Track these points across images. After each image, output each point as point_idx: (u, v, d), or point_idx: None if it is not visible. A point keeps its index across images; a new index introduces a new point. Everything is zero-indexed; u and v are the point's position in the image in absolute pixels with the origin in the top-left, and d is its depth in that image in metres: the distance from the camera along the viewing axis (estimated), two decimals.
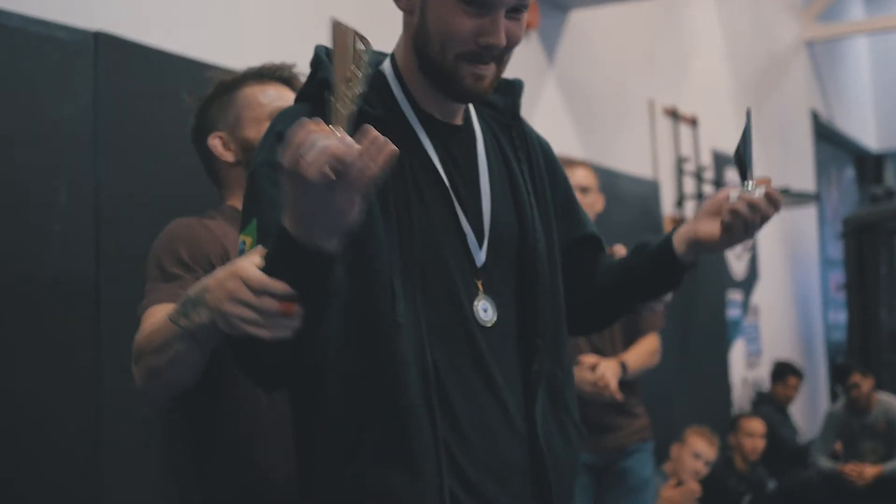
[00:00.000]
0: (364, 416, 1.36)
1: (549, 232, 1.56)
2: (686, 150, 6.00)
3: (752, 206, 1.46)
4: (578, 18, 5.06)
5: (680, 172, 5.89)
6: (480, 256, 1.45)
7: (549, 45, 4.85)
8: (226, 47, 2.79)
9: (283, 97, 1.84)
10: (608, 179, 4.91)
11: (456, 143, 1.49)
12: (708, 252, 1.56)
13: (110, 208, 2.41)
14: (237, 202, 1.77)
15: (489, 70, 1.42)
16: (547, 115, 4.76)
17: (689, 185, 6.01)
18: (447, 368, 1.39)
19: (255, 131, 1.80)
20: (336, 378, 1.37)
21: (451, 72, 1.41)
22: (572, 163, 3.57)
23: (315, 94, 1.42)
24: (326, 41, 1.55)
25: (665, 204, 5.71)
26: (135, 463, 2.44)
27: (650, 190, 5.54)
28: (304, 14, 3.15)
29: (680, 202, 5.88)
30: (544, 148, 1.66)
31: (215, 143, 1.85)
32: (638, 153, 5.56)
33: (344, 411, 1.37)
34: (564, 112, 4.94)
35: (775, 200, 1.48)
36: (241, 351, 1.32)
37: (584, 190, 3.44)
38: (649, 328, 3.47)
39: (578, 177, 3.43)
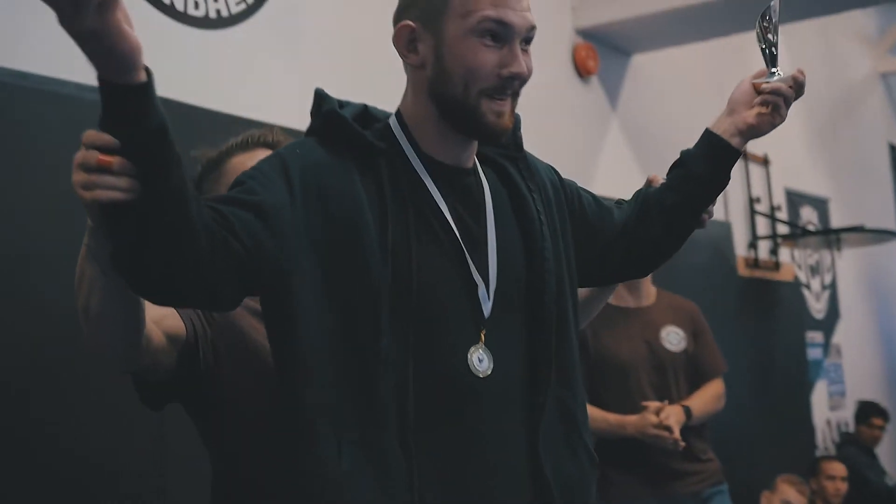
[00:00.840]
0: (342, 441, 1.36)
1: (559, 263, 1.56)
2: (758, 190, 5.91)
3: (794, 82, 1.68)
4: (641, 61, 5.04)
5: (752, 213, 5.79)
6: (488, 307, 1.46)
7: (611, 89, 4.84)
8: (261, 104, 2.88)
9: None
10: None
11: (465, 187, 1.52)
12: (756, 136, 1.73)
13: None
14: None
15: (507, 106, 1.46)
16: (612, 161, 4.75)
17: (763, 226, 5.91)
18: (432, 412, 1.40)
19: None
20: (317, 399, 1.37)
21: (474, 110, 1.44)
22: None
23: (322, 129, 1.48)
24: (348, 96, 1.58)
25: (738, 245, 5.62)
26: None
27: (722, 232, 5.45)
28: (337, 76, 3.21)
29: (753, 243, 5.78)
30: (552, 179, 1.67)
31: None
32: None
33: (323, 432, 1.36)
34: (630, 156, 4.92)
35: (804, 72, 1.70)
36: (112, 244, 1.26)
37: None
38: (713, 373, 3.44)
39: None
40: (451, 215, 1.47)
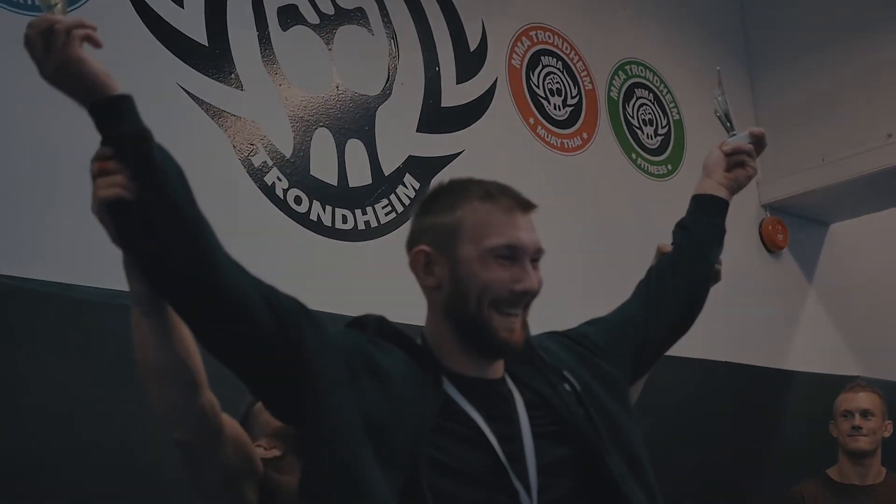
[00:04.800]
0: None
1: (616, 430, 1.59)
2: None
3: (752, 138, 1.98)
4: (839, 229, 4.93)
5: None
6: None
7: (806, 261, 4.76)
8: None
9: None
10: (893, 393, 4.57)
11: (494, 395, 1.56)
12: (738, 189, 2.00)
13: None
14: None
15: (517, 323, 1.54)
16: (810, 334, 4.62)
17: None
18: None
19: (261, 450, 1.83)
20: None
21: (487, 324, 1.52)
22: (855, 387, 3.39)
23: (376, 331, 1.59)
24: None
25: None
26: None
27: None
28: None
29: None
30: (572, 349, 1.71)
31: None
32: None
33: None
34: (831, 328, 4.76)
35: (759, 128, 2.01)
36: (126, 244, 1.42)
37: (866, 414, 3.26)
38: None
39: (861, 400, 3.29)
40: (486, 425, 1.50)
